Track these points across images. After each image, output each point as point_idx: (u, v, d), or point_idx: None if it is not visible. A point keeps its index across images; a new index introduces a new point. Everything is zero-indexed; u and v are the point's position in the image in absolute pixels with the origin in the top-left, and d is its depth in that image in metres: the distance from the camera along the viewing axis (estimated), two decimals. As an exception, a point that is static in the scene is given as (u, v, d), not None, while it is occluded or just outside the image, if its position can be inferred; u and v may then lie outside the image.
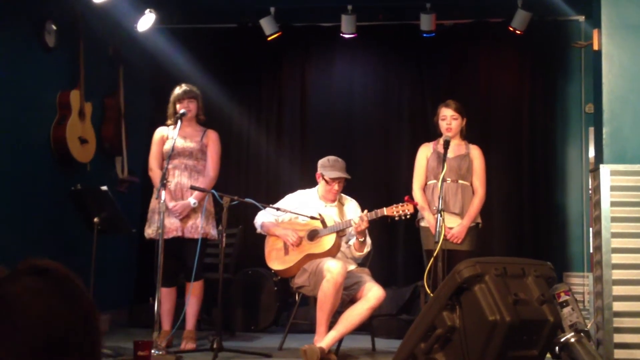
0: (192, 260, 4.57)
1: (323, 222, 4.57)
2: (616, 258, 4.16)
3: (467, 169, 4.71)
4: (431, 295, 3.55)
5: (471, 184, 4.74)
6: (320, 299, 4.28)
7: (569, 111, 6.40)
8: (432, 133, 5.22)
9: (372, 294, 4.33)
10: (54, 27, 5.22)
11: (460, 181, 4.68)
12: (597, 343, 4.17)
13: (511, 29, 6.11)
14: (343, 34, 6.29)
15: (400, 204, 4.41)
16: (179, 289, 4.84)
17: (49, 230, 5.15)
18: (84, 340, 0.99)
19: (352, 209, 4.76)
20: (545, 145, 6.36)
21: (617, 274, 4.14)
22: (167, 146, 4.75)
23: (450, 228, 4.55)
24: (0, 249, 4.36)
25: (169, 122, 4.86)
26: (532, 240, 6.21)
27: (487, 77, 6.50)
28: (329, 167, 4.71)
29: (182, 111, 4.70)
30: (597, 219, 4.27)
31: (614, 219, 4.20)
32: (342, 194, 4.84)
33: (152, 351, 3.99)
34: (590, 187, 4.55)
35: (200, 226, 4.63)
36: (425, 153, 4.84)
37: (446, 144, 4.43)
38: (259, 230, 4.83)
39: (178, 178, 4.72)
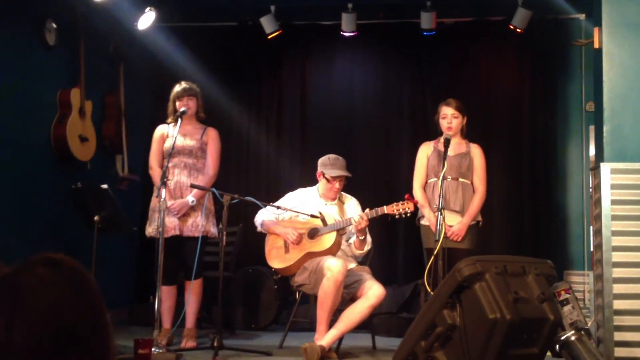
0: (192, 258, 4.57)
1: (323, 220, 4.57)
2: (616, 256, 4.16)
3: (467, 167, 4.71)
4: (431, 293, 3.55)
5: (472, 182, 4.73)
6: (321, 297, 4.28)
7: (570, 109, 6.39)
8: (432, 131, 5.21)
9: (373, 292, 4.33)
10: (54, 25, 5.21)
11: (460, 179, 4.67)
12: (598, 341, 4.17)
13: (512, 27, 6.10)
14: (343, 32, 6.28)
15: (401, 202, 4.41)
16: (179, 287, 4.84)
17: (49, 229, 5.14)
18: (92, 332, 1.03)
19: (353, 207, 4.76)
20: (545, 144, 6.36)
21: (617, 272, 4.14)
22: (167, 144, 4.74)
23: (451, 226, 4.54)
24: (0, 247, 4.35)
25: (169, 120, 4.85)
26: (532, 238, 6.20)
27: (487, 75, 6.49)
28: (329, 166, 4.71)
29: (182, 109, 4.70)
30: (598, 217, 4.27)
31: (614, 217, 4.20)
32: (343, 192, 4.84)
33: (153, 349, 3.99)
34: (590, 185, 4.55)
35: (200, 224, 4.63)
36: (425, 151, 4.83)
37: (447, 143, 4.43)
38: (259, 228, 4.83)
39: (177, 177, 4.72)
